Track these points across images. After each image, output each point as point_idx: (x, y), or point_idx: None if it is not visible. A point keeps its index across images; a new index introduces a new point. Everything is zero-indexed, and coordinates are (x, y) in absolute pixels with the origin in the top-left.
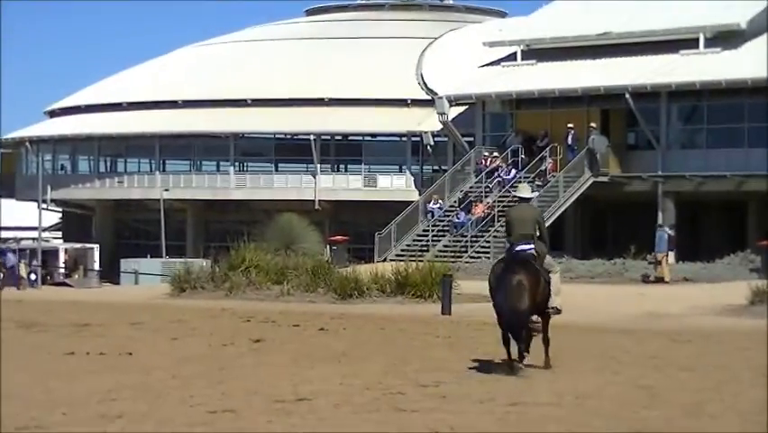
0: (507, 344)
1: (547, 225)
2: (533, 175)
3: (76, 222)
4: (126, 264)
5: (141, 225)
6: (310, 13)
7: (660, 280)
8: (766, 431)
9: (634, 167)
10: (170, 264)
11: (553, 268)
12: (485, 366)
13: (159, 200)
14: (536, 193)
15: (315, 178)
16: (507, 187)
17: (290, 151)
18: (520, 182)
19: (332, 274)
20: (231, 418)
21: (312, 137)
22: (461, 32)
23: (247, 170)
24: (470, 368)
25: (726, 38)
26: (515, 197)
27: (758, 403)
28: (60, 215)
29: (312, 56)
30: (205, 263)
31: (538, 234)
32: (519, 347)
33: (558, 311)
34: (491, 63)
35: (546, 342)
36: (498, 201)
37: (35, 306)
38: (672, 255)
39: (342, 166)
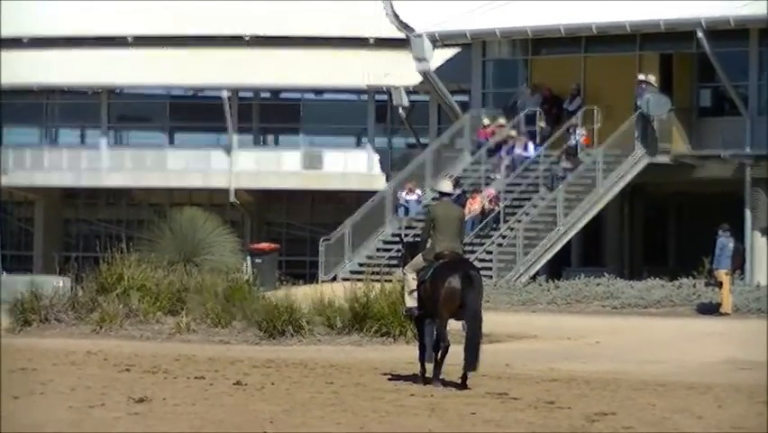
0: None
1: (581, 225)
2: (558, 152)
3: None
4: None
5: None
6: None
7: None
8: None
9: (708, 141)
10: (9, 284)
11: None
12: None
13: None
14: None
15: (229, 155)
16: (519, 170)
17: (192, 114)
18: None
19: (254, 300)
20: None
21: (225, 94)
22: None
23: (127, 144)
24: None
25: None
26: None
27: None
28: None
29: None
30: (61, 283)
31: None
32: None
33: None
34: None
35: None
36: (507, 192)
37: None
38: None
39: (270, 138)
